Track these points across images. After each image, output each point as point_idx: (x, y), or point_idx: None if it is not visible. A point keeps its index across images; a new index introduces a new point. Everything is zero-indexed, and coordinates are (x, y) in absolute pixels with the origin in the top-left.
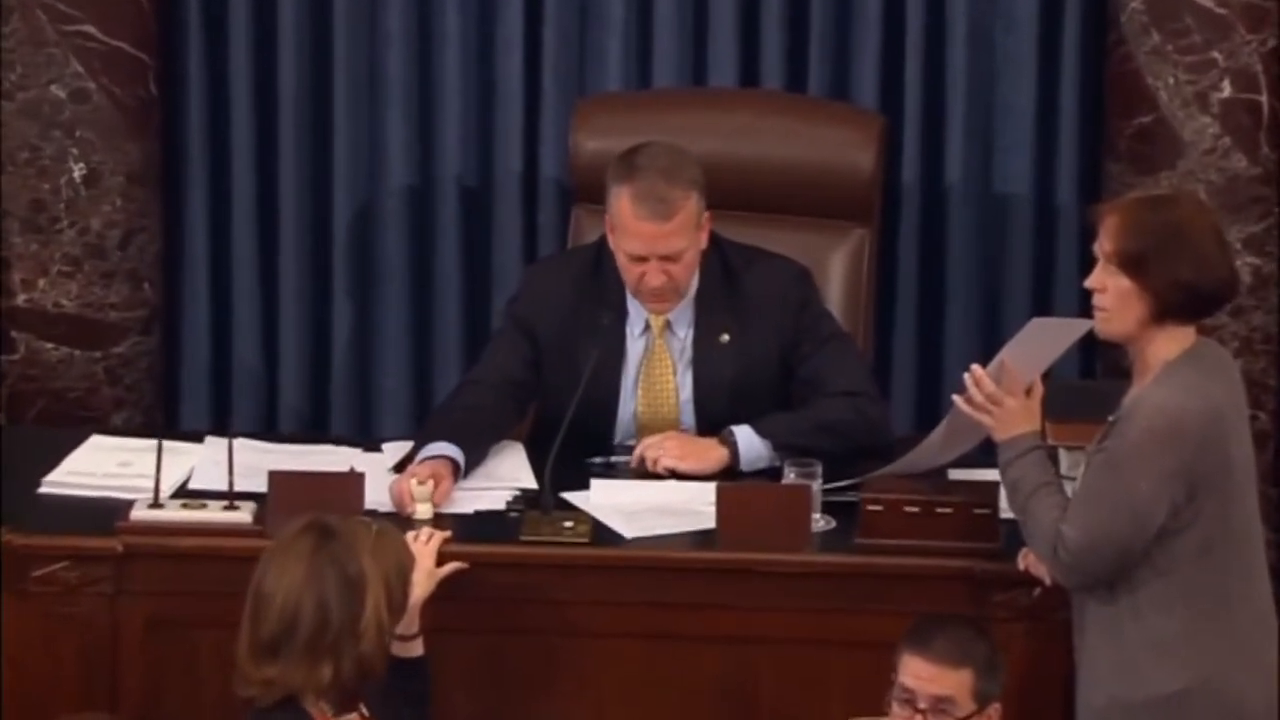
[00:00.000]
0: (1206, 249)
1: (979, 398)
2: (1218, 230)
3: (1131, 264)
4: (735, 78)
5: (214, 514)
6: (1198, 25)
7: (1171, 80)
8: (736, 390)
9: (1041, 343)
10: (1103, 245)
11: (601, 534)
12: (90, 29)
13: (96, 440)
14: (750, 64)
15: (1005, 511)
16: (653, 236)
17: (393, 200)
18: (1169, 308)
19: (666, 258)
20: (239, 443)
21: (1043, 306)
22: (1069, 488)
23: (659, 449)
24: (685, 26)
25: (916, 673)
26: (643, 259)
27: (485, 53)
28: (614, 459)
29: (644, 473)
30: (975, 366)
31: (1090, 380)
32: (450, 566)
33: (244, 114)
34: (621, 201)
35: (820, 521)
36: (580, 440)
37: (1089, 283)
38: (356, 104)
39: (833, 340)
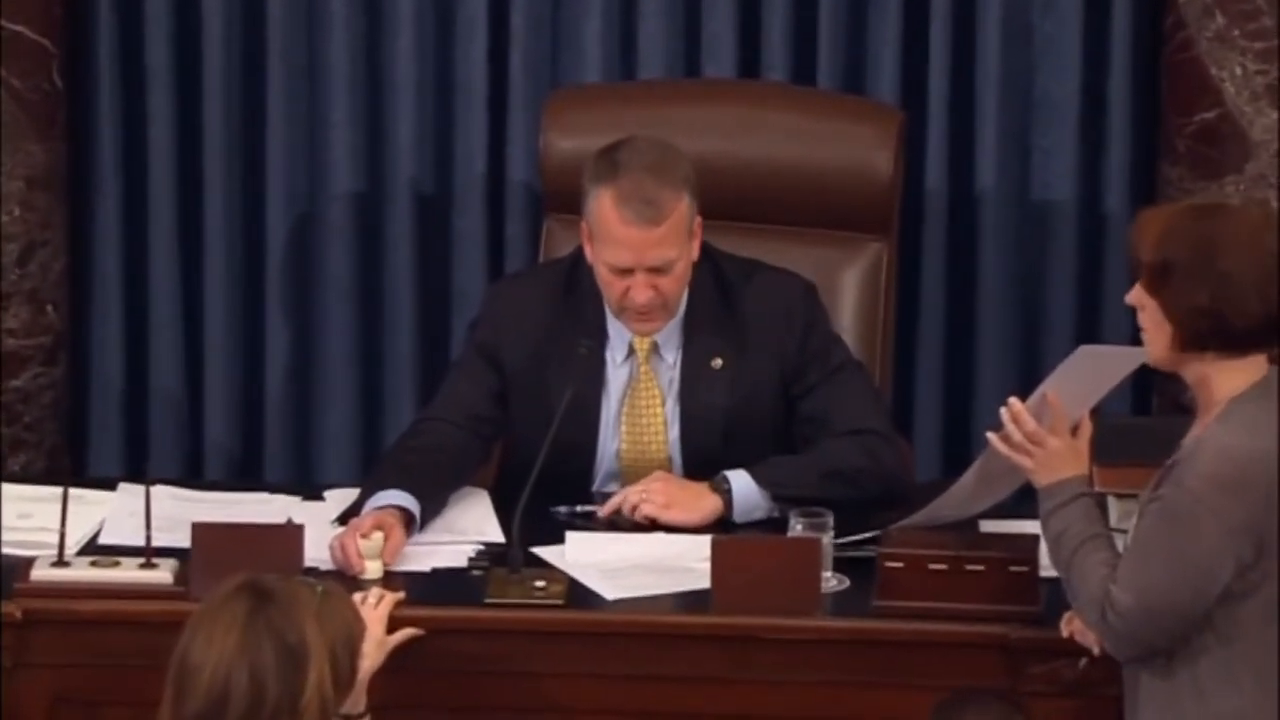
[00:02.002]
0: (1241, 272)
1: (1017, 436)
2: (1273, 251)
3: (1153, 281)
4: (733, 67)
5: (128, 573)
6: (1269, 6)
7: (1239, 70)
8: (730, 424)
9: (1090, 374)
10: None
11: (579, 595)
12: None
13: None
14: (750, 52)
15: (1046, 569)
16: (640, 245)
17: (336, 209)
18: (1195, 336)
19: (655, 269)
20: (158, 490)
21: (1090, 332)
22: (1120, 542)
23: (641, 493)
24: (675, 8)
25: None
26: (628, 271)
27: (443, 38)
28: (581, 508)
29: (618, 524)
30: (1013, 400)
31: (1145, 418)
32: (403, 634)
33: (163, 110)
34: (602, 205)
35: (832, 581)
36: (555, 486)
37: (1128, 298)
38: (294, 98)
39: (842, 370)
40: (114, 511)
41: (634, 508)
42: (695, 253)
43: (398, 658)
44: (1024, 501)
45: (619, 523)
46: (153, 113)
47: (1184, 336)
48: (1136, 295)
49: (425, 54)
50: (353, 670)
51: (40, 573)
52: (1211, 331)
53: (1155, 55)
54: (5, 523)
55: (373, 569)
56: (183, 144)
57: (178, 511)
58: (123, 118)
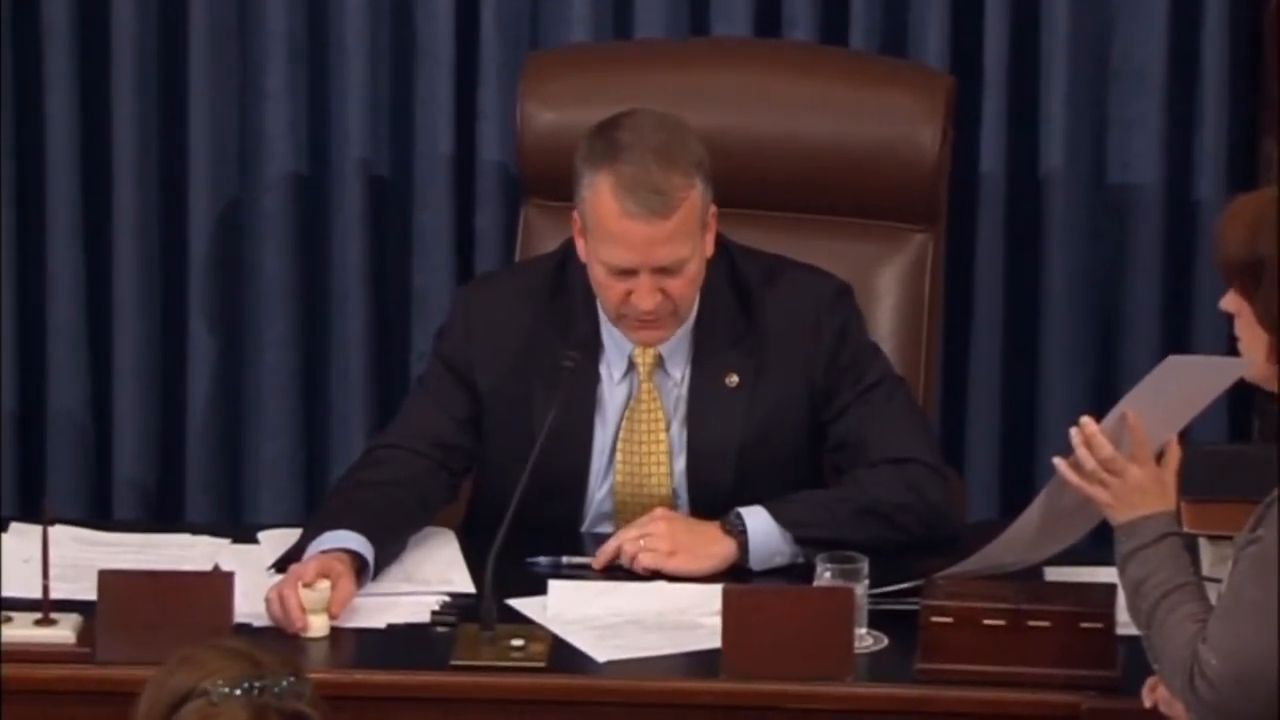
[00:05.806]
0: None
1: (1090, 464)
2: None
3: (1244, 283)
4: (749, 24)
5: (22, 631)
6: None
7: None
8: (746, 453)
9: (1178, 390)
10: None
11: (563, 657)
12: None
13: None
14: (769, 5)
15: (1125, 625)
16: (646, 241)
17: (271, 196)
18: None
19: (664, 270)
20: (57, 532)
21: (1178, 341)
22: (1212, 593)
23: (639, 540)
24: None
25: None
26: (630, 273)
27: None
28: (567, 560)
29: (616, 573)
30: (1086, 420)
31: (1244, 444)
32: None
33: (63, 75)
34: (600, 195)
35: (867, 639)
36: (536, 527)
37: (1222, 304)
38: (221, 64)
39: (880, 387)
40: (4, 558)
41: (632, 557)
42: (709, 248)
43: None
44: (1099, 545)
45: (615, 571)
46: (50, 78)
47: None
48: (1231, 300)
49: (379, 11)
50: None
51: None
52: None
53: (1258, 9)
54: None
55: (317, 625)
56: (86, 116)
57: (82, 557)
58: (14, 83)
